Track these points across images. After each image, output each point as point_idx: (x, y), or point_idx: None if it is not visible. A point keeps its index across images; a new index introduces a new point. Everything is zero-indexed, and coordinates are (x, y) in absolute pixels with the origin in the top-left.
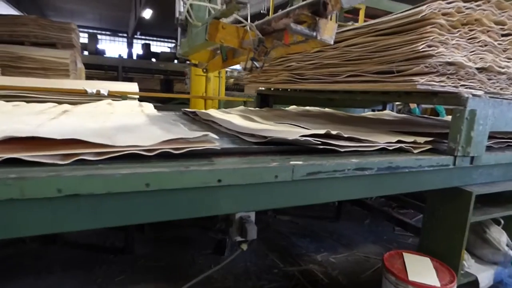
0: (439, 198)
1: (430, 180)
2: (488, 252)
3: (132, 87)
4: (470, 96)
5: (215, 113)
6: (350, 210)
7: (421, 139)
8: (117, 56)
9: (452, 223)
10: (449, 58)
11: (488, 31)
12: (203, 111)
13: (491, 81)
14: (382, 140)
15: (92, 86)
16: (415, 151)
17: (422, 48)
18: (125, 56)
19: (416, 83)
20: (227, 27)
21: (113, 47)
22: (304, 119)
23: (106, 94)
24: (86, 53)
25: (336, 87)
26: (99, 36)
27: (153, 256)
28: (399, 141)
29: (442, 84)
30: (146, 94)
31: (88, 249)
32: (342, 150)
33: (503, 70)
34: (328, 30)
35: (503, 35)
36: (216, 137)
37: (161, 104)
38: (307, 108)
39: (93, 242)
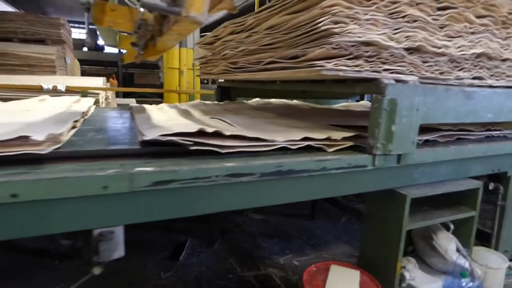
0: (376, 201)
1: (344, 184)
2: (437, 261)
3: (95, 82)
4: (390, 82)
5: (150, 109)
6: (329, 207)
7: (338, 135)
8: (117, 52)
9: (388, 230)
10: (359, 37)
11: (418, 3)
12: (138, 105)
13: (427, 64)
14: (292, 137)
15: (51, 81)
16: (330, 150)
17: (323, 26)
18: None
19: (321, 68)
20: (117, 9)
21: None
22: (249, 113)
23: (63, 89)
24: (85, 49)
25: (261, 76)
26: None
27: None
28: (305, 139)
29: (357, 68)
30: (109, 89)
31: (30, 254)
32: (223, 151)
33: (439, 51)
34: (197, 6)
35: (439, 9)
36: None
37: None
38: (270, 100)
39: (36, 246)
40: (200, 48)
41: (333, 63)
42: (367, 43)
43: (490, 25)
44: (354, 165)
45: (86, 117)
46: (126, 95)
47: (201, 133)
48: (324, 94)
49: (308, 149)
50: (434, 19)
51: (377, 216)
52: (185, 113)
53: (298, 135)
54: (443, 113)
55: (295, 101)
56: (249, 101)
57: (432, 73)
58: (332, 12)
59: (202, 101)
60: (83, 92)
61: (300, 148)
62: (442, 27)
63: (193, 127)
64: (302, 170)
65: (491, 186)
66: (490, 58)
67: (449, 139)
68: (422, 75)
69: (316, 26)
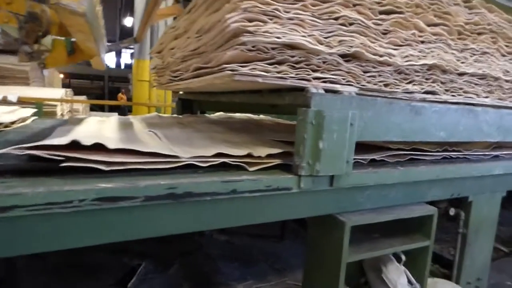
0: (316, 227)
1: (261, 210)
2: None
3: (53, 93)
4: (319, 91)
5: (90, 120)
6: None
7: (263, 151)
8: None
9: (327, 260)
10: (277, 37)
11: (355, 4)
12: (77, 117)
13: (369, 74)
14: (204, 153)
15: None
16: (251, 169)
17: (232, 23)
18: (113, 65)
19: (233, 72)
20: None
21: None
22: (199, 127)
23: (14, 100)
24: None
25: (192, 85)
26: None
27: None
28: (219, 155)
29: (280, 75)
30: (64, 100)
31: None
32: (107, 168)
33: (382, 59)
34: None
35: (382, 13)
36: None
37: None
38: (234, 115)
39: None
40: (155, 57)
41: (249, 68)
42: (292, 47)
43: (443, 34)
44: (274, 187)
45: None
46: (112, 109)
47: (96, 146)
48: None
49: (227, 168)
50: (376, 24)
51: (317, 243)
52: (126, 126)
53: (212, 150)
54: (386, 129)
55: (261, 116)
56: (212, 115)
57: (375, 84)
58: (244, 7)
59: (158, 114)
60: (37, 104)
61: (218, 167)
62: (385, 33)
63: (64, 140)
64: (204, 193)
65: (452, 212)
66: (444, 71)
67: (400, 159)
68: (363, 86)
69: (226, 24)
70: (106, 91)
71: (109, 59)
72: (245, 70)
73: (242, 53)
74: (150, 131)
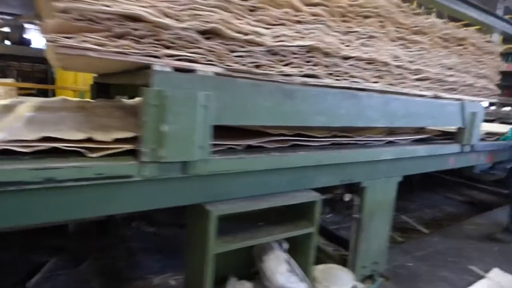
0: (190, 218)
1: (90, 201)
2: (270, 285)
3: None
4: (165, 69)
5: None
6: None
7: (108, 136)
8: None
9: (197, 252)
10: (106, 6)
11: None
12: None
13: (236, 54)
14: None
15: None
16: (93, 155)
17: None
18: None
19: (55, 44)
20: None
21: None
22: (97, 111)
23: None
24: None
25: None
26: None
27: None
28: (48, 139)
29: (120, 49)
30: None
31: None
32: None
33: (247, 38)
34: None
35: None
36: None
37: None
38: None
39: None
40: None
41: (77, 40)
42: (135, 19)
43: (323, 15)
44: (108, 175)
45: None
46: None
47: None
48: None
49: (64, 154)
50: None
51: (190, 234)
52: (8, 109)
53: (37, 134)
54: (252, 112)
55: None
56: (130, 100)
57: (244, 65)
58: None
59: (65, 98)
60: None
61: (52, 153)
62: (253, 10)
63: None
64: (7, 182)
65: (347, 197)
66: (326, 54)
67: (282, 145)
68: (228, 67)
69: None
70: (50, 75)
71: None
72: (70, 42)
73: (68, 23)
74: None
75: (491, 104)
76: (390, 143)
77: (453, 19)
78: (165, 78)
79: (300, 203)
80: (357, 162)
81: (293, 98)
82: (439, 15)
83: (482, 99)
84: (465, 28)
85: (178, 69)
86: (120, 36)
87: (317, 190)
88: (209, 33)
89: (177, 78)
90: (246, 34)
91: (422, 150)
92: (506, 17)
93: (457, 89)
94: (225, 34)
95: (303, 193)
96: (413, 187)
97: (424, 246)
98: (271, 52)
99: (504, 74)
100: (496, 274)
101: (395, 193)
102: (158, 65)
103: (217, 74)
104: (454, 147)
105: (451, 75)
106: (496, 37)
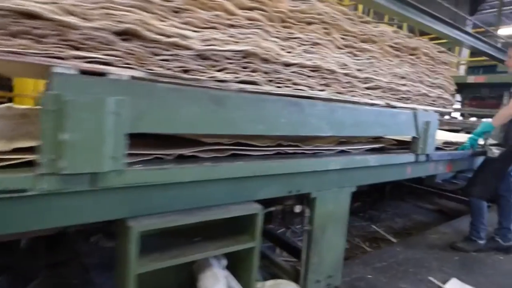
0: (117, 234)
1: None
2: None
3: None
4: (63, 72)
5: None
6: None
7: (7, 145)
8: None
9: (120, 271)
10: None
11: None
12: None
13: (160, 58)
14: None
15: None
16: None
17: None
18: None
19: None
20: None
21: None
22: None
23: None
24: None
25: None
26: None
27: None
28: None
29: (15, 49)
30: None
31: None
32: None
33: (170, 40)
34: None
35: None
36: None
37: None
38: None
39: None
40: None
41: None
42: (34, 16)
43: (260, 20)
44: None
45: None
46: None
47: None
48: None
49: None
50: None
51: (117, 252)
52: None
53: None
54: (175, 120)
55: None
56: None
57: (170, 69)
58: None
59: (11, 105)
60: None
61: None
62: (177, 11)
63: None
64: None
65: (298, 209)
66: (265, 60)
67: (220, 154)
68: (150, 71)
69: None
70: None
71: None
72: None
73: None
74: None
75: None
76: (342, 152)
77: (424, 34)
78: (65, 81)
79: (241, 216)
80: (306, 172)
81: (224, 105)
82: (411, 30)
83: (436, 108)
84: (417, 38)
85: (87, 72)
86: (15, 35)
87: (266, 201)
88: (126, 35)
89: (81, 81)
90: (169, 36)
91: (373, 159)
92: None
93: (411, 98)
94: (144, 36)
95: (243, 206)
96: (385, 197)
97: (385, 257)
98: (202, 56)
99: (472, 86)
100: (454, 284)
101: (348, 203)
102: (60, 67)
103: (137, 78)
104: (409, 157)
105: (403, 84)
106: (465, 51)
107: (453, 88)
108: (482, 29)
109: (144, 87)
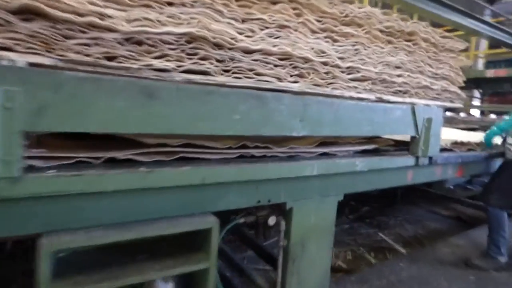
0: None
1: None
2: None
3: None
4: None
5: None
6: None
7: None
8: None
9: None
10: None
11: None
12: None
13: (75, 41)
14: None
15: None
16: None
17: None
18: None
19: None
20: None
21: None
22: None
23: None
24: None
25: None
26: None
27: None
28: None
29: None
30: None
31: None
32: None
33: (85, 20)
34: None
35: None
36: None
37: None
38: None
39: None
40: None
41: None
42: None
43: None
44: None
45: None
46: None
47: None
48: None
49: None
50: None
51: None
52: None
53: None
54: (91, 116)
55: None
56: None
57: (89, 55)
58: None
59: None
60: None
61: None
62: None
63: None
64: None
65: (272, 221)
66: (218, 45)
67: (164, 158)
68: (62, 57)
69: None
70: None
71: None
72: None
73: None
74: None
75: (481, 112)
76: (325, 155)
77: (438, 25)
78: None
79: (195, 231)
80: (278, 178)
81: (159, 99)
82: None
83: (441, 103)
84: (414, 21)
85: None
86: None
87: (235, 212)
88: (29, 13)
89: None
90: (82, 15)
91: (362, 163)
92: (494, 20)
93: (409, 91)
94: (49, 15)
95: (194, 219)
96: (395, 201)
97: (386, 273)
98: (132, 40)
99: (492, 81)
100: None
101: (334, 214)
102: None
103: (38, 65)
104: (407, 160)
105: (399, 75)
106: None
107: (461, 79)
108: (502, 18)
109: (46, 76)
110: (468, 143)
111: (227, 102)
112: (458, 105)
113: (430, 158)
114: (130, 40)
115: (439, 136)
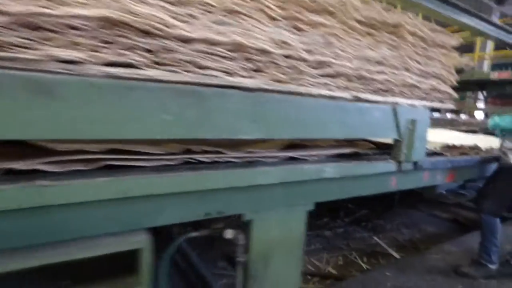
0: None
1: None
2: None
3: None
4: None
5: None
6: None
7: None
8: None
9: None
10: None
11: None
12: None
13: None
14: None
15: None
16: None
17: None
18: None
19: None
20: None
21: None
22: None
23: None
24: None
25: None
26: None
27: None
28: None
29: None
30: None
31: None
32: None
33: None
34: None
35: None
36: None
37: None
38: None
39: None
40: None
41: None
42: None
43: None
44: None
45: None
46: None
47: None
48: None
49: None
50: None
51: None
52: None
53: None
54: None
55: None
56: None
57: None
58: None
59: None
60: None
61: None
62: None
63: None
64: None
65: (229, 234)
66: (146, 32)
67: (82, 167)
68: None
69: None
70: None
71: None
72: None
73: None
74: None
75: (486, 114)
76: (293, 160)
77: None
78: None
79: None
80: (230, 188)
81: (60, 97)
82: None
83: (430, 104)
84: (398, 12)
85: None
86: None
87: (189, 224)
88: None
89: None
90: None
91: (332, 170)
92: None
93: (392, 90)
94: None
95: (119, 238)
96: (393, 204)
97: (369, 283)
98: (25, 25)
99: (496, 83)
100: None
101: (303, 226)
102: None
103: None
104: (387, 165)
105: (380, 72)
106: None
107: (453, 78)
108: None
109: None
110: (461, 147)
111: (155, 100)
112: (449, 106)
113: (415, 163)
114: (23, 24)
115: (425, 139)
